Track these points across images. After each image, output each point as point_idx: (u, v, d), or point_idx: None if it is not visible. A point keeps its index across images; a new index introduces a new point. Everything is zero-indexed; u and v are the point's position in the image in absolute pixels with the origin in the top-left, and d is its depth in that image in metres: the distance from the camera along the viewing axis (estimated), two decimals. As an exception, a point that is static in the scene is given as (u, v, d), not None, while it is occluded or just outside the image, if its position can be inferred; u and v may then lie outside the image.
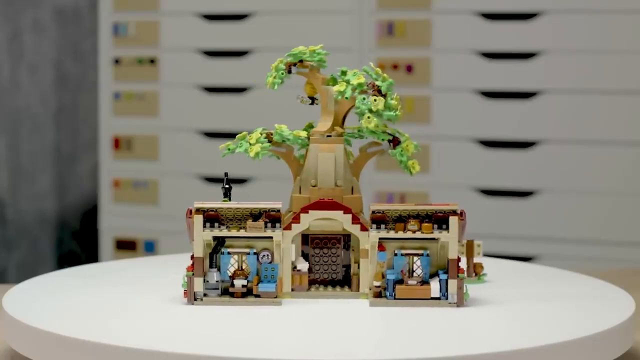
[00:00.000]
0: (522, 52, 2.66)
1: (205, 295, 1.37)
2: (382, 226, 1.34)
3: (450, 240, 1.32)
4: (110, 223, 3.03)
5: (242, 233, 1.37)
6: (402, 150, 1.42)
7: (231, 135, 2.94)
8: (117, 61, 2.99)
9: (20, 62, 3.24)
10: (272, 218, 1.38)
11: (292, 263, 1.40)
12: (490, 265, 1.62)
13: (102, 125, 3.03)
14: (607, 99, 2.62)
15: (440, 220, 1.33)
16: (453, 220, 1.32)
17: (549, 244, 2.66)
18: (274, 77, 1.46)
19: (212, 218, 1.38)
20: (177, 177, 2.96)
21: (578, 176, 2.64)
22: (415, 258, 1.35)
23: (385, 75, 1.42)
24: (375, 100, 1.40)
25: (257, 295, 1.36)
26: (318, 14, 2.82)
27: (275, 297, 1.36)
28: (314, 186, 1.41)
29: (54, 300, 1.39)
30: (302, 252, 1.41)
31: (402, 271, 1.35)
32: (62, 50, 3.30)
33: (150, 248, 2.99)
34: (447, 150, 2.73)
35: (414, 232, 1.33)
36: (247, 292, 1.36)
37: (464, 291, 1.32)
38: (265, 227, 1.37)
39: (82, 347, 1.16)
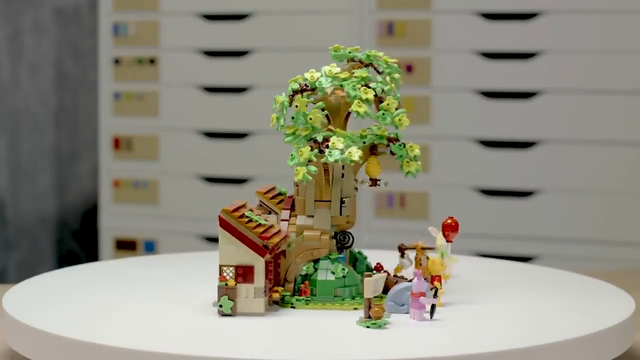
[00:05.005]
0: (522, 52, 2.66)
1: None
2: None
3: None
4: (110, 223, 3.03)
5: None
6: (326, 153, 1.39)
7: (231, 136, 2.94)
8: (117, 61, 2.99)
9: (20, 62, 3.24)
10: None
11: None
12: (490, 265, 1.61)
13: (102, 125, 3.03)
14: (607, 99, 2.62)
15: None
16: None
17: (549, 244, 2.66)
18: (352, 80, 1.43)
19: None
20: (177, 177, 2.96)
21: (578, 176, 2.64)
22: None
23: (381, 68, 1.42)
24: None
25: None
26: (318, 14, 2.82)
27: None
28: None
29: (53, 300, 1.39)
30: None
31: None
32: (62, 50, 3.30)
33: (150, 248, 2.99)
34: (447, 150, 2.73)
35: None
36: None
37: (227, 302, 1.28)
38: None
39: (82, 347, 1.16)
